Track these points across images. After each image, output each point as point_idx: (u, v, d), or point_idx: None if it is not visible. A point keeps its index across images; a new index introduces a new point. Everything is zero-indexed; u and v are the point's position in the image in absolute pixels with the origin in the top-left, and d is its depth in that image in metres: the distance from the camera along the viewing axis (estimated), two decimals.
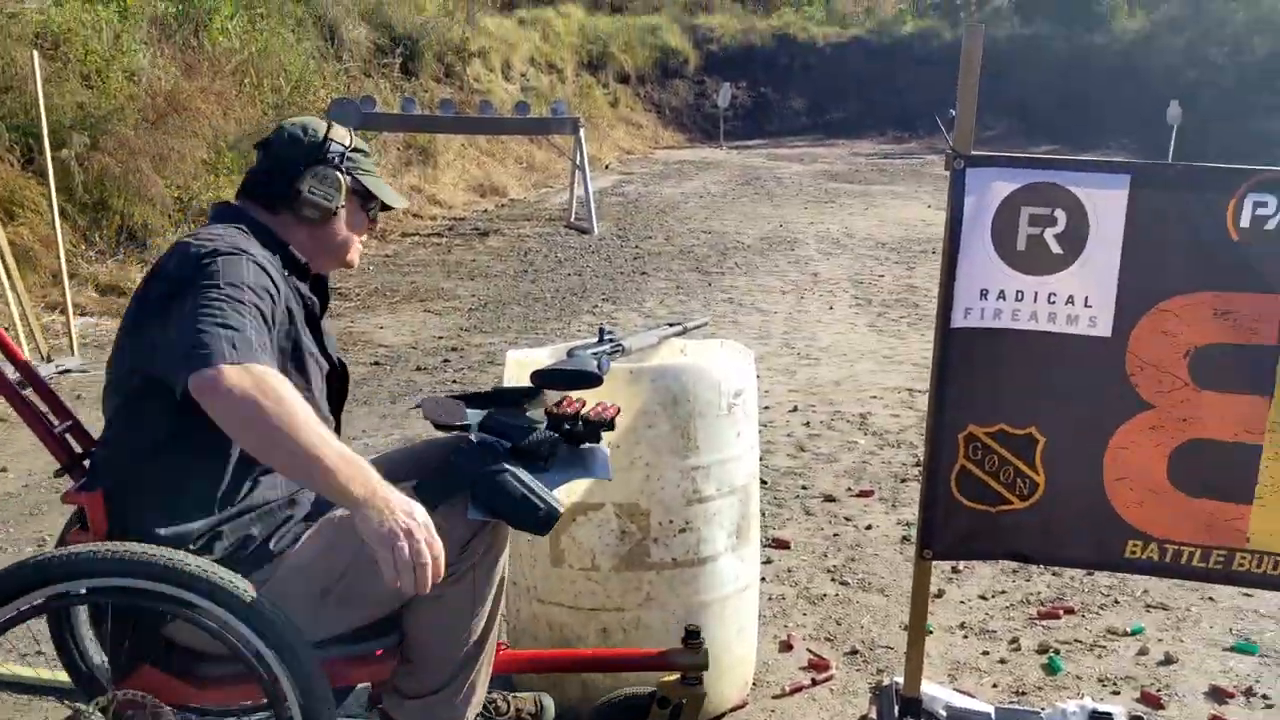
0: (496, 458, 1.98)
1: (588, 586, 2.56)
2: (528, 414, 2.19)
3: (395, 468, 2.28)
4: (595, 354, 2.39)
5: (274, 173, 2.19)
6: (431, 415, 2.13)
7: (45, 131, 5.69)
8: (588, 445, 2.15)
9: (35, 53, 5.83)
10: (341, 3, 15.89)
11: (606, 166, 18.67)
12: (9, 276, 5.36)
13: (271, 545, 2.01)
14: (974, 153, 2.48)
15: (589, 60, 24.55)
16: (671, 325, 2.84)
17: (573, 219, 12.25)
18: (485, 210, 13.30)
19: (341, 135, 2.25)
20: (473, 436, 2.06)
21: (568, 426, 2.14)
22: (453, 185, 13.78)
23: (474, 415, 2.12)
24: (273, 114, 12.11)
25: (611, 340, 2.52)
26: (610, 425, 2.17)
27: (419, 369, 6.12)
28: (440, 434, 2.23)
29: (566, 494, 2.31)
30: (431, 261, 9.75)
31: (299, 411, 1.76)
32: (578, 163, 12.04)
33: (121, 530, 1.93)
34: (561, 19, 24.40)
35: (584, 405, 2.17)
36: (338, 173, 2.20)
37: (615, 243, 10.92)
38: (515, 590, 2.69)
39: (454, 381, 5.88)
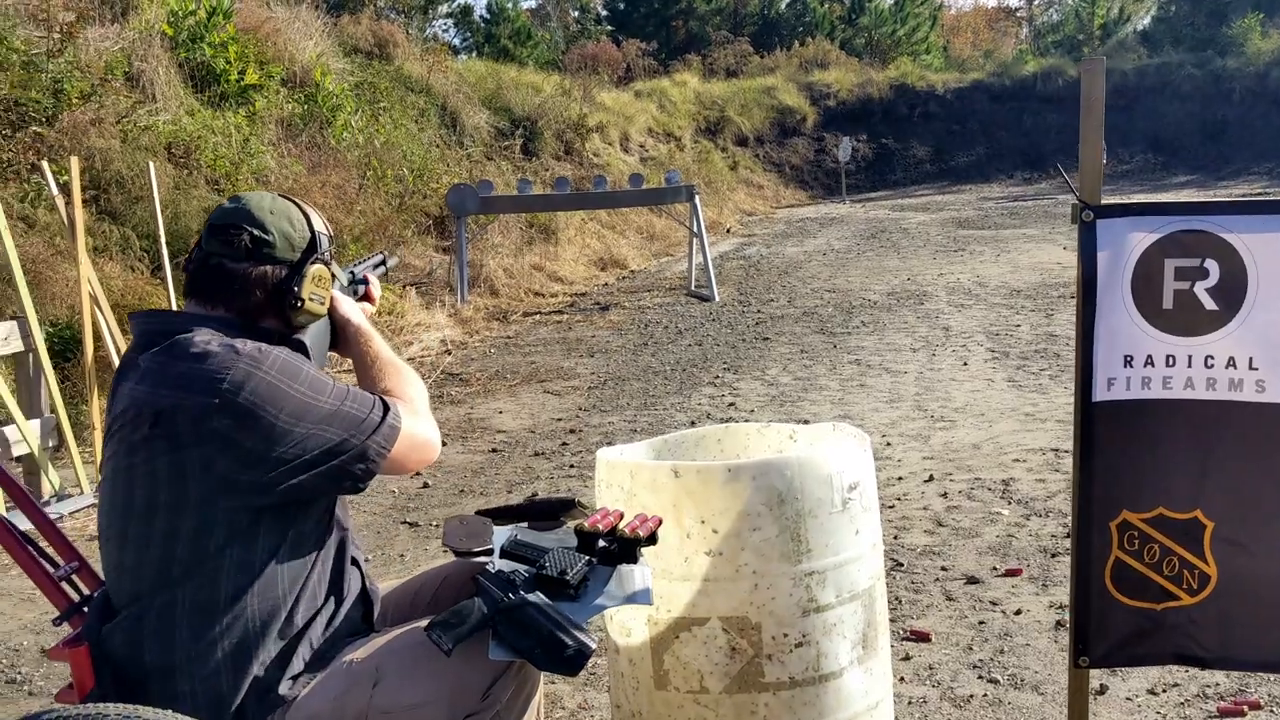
0: (518, 589, 1.77)
1: (697, 711, 2.31)
2: (563, 528, 1.97)
3: (415, 597, 2.09)
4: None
5: (262, 280, 1.89)
6: (451, 541, 1.92)
7: (162, 237, 5.81)
8: (625, 566, 1.90)
9: (152, 163, 5.99)
10: (462, 91, 16.30)
11: (728, 230, 18.56)
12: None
13: (281, 690, 1.80)
14: (1105, 202, 2.21)
15: (706, 125, 24.65)
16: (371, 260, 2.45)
17: (693, 287, 12.11)
18: (606, 284, 13.26)
19: (318, 221, 2.00)
20: (492, 564, 1.85)
21: (602, 543, 1.90)
22: (574, 261, 13.79)
23: (500, 536, 1.91)
24: (396, 203, 12.36)
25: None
26: (651, 540, 1.92)
27: (537, 454, 5.97)
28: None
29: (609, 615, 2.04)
30: (552, 340, 9.69)
31: (416, 395, 1.99)
32: (694, 230, 11.92)
33: (128, 682, 1.76)
34: (677, 88, 24.63)
35: (620, 518, 1.94)
36: (328, 268, 1.98)
37: (736, 308, 10.70)
38: (619, 716, 2.46)
39: (572, 466, 5.71)
